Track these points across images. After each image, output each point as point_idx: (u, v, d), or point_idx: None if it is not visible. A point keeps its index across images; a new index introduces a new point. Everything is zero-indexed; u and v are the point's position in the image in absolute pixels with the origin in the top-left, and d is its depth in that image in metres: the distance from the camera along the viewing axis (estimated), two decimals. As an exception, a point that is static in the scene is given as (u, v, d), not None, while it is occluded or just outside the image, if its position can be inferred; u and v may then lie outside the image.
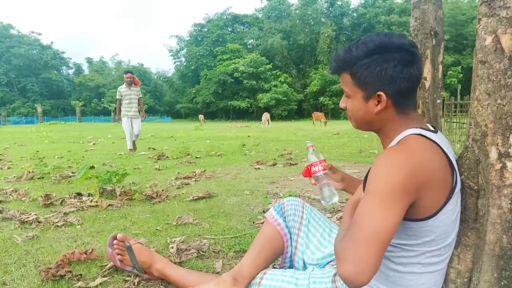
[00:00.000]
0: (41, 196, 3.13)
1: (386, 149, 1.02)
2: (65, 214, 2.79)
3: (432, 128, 1.09)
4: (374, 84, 1.04)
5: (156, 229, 2.42)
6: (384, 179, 0.91)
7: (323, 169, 1.36)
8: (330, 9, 55.43)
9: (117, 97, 7.80)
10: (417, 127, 1.04)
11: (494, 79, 1.03)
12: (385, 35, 1.04)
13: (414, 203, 0.94)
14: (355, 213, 0.93)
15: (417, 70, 1.03)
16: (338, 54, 1.09)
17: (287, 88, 49.17)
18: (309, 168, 1.38)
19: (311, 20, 52.93)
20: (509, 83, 1.00)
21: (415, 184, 0.92)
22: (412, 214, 0.96)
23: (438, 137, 1.03)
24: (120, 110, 7.80)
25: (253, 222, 2.56)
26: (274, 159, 6.07)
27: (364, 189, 1.09)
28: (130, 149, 7.73)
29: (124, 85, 7.82)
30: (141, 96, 8.03)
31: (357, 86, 1.07)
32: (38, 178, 4.33)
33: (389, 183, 0.90)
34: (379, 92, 1.03)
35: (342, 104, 1.16)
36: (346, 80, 1.09)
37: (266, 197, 3.29)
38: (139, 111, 7.98)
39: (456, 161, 1.14)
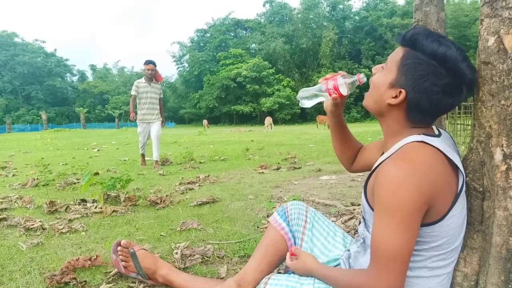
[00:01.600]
0: (46, 203, 3.14)
1: (388, 160, 1.00)
2: (70, 220, 2.79)
3: (436, 132, 1.08)
4: (406, 79, 1.01)
5: (160, 235, 2.41)
6: (395, 198, 0.91)
7: (330, 94, 1.20)
8: (332, 12, 55.51)
9: (132, 92, 6.22)
10: (419, 133, 1.03)
11: (498, 80, 1.02)
12: (459, 54, 0.97)
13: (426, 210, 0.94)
14: (373, 238, 0.95)
15: (449, 104, 1.00)
16: (414, 31, 1.01)
17: (290, 92, 49.17)
18: (333, 80, 1.21)
19: (313, 24, 53.00)
20: (512, 83, 0.99)
21: (425, 197, 0.91)
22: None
23: (441, 141, 1.01)
24: (134, 108, 6.28)
25: (258, 227, 2.55)
26: (278, 163, 6.06)
27: (365, 196, 1.09)
28: (143, 156, 6.40)
29: (143, 79, 6.25)
30: (162, 96, 6.49)
31: (397, 67, 1.03)
32: (43, 185, 4.35)
33: (400, 203, 0.90)
34: (403, 90, 1.01)
35: (374, 69, 1.12)
36: (398, 54, 1.04)
37: (270, 201, 3.28)
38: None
39: (461, 163, 1.13)
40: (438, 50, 0.96)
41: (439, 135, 1.05)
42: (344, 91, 1.19)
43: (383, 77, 1.07)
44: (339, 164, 5.74)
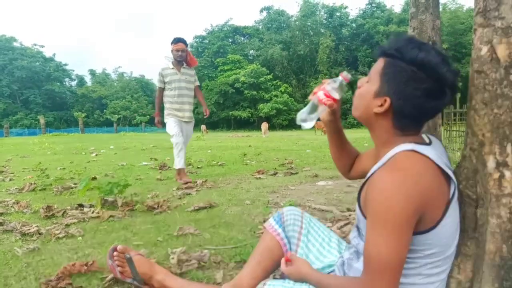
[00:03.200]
0: (43, 208, 3.13)
1: (379, 170, 1.02)
2: (67, 225, 2.79)
3: (426, 140, 1.09)
4: (389, 87, 1.03)
5: (157, 240, 2.41)
6: (386, 208, 0.92)
7: (324, 104, 1.22)
8: (329, 20, 55.81)
9: (158, 84, 4.91)
10: (410, 142, 1.04)
11: (491, 88, 1.04)
12: (441, 56, 0.99)
13: (417, 219, 0.96)
14: (366, 248, 0.96)
15: (434, 108, 1.02)
16: (395, 41, 1.05)
17: (287, 98, 49.31)
18: (322, 89, 1.24)
19: (310, 31, 53.27)
20: (505, 92, 1.01)
21: (416, 205, 0.93)
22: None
23: (431, 149, 1.03)
24: (160, 107, 4.99)
25: (254, 232, 2.55)
26: (275, 168, 6.07)
27: (359, 205, 1.10)
28: (180, 170, 4.81)
29: (170, 64, 4.88)
30: (198, 83, 5.16)
31: (380, 77, 1.06)
32: (40, 190, 4.34)
33: (392, 212, 0.92)
34: (387, 97, 1.04)
35: (359, 82, 1.14)
36: (378, 66, 1.07)
37: (267, 207, 3.29)
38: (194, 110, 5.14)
39: (454, 171, 1.15)
40: (417, 56, 0.99)
41: (429, 143, 1.07)
42: (336, 95, 1.22)
43: (368, 88, 1.09)
44: (335, 169, 5.74)
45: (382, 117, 1.07)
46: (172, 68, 4.85)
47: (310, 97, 1.26)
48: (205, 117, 5.24)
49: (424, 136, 1.12)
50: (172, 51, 4.83)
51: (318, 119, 1.30)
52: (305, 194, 3.91)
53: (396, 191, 0.92)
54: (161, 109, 5.10)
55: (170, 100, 4.86)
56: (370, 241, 0.96)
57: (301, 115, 1.26)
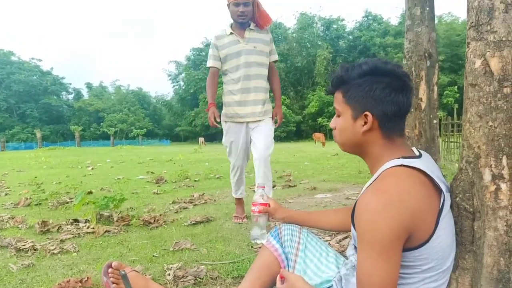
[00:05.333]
0: (38, 223, 3.10)
1: (367, 190, 1.02)
2: (62, 241, 2.76)
3: (417, 153, 1.10)
4: (362, 103, 1.07)
5: (153, 256, 2.38)
6: (373, 231, 0.93)
7: (258, 212, 1.51)
8: (326, 32, 56.41)
9: (210, 63, 3.12)
10: (399, 157, 1.04)
11: (485, 101, 1.04)
12: (380, 60, 1.08)
13: (407, 237, 0.95)
14: (357, 271, 0.97)
15: (406, 98, 1.06)
16: (335, 74, 1.14)
17: (285, 109, 49.47)
18: (253, 204, 1.55)
19: (307, 43, 53.75)
20: (499, 105, 1.02)
21: (404, 224, 0.93)
22: (405, 245, 0.96)
23: (421, 162, 1.03)
24: (215, 94, 3.18)
25: (252, 247, 2.52)
26: (273, 181, 6.05)
27: (353, 224, 1.09)
28: (239, 202, 3.38)
29: (228, 29, 3.09)
30: (276, 57, 3.23)
31: (348, 104, 1.11)
32: (36, 205, 4.30)
33: (379, 234, 0.92)
34: (366, 112, 1.06)
35: (332, 124, 1.20)
36: (339, 98, 1.13)
37: (267, 218, 3.26)
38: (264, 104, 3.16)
39: (451, 184, 1.14)
40: (362, 69, 1.07)
41: (419, 156, 1.07)
42: (263, 200, 1.53)
43: (343, 119, 1.13)
44: (334, 182, 5.76)
45: (370, 133, 1.09)
46: (231, 34, 3.02)
47: (252, 215, 1.55)
48: (276, 126, 3.23)
49: (414, 149, 1.12)
50: (229, 7, 2.98)
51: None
52: (304, 207, 3.89)
53: (383, 213, 0.92)
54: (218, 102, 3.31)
55: (230, 89, 3.09)
56: (361, 263, 0.95)
57: (253, 235, 1.56)
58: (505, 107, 1.01)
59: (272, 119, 3.20)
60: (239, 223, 3.19)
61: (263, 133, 3.10)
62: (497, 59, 1.02)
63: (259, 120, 3.12)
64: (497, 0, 1.03)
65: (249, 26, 3.07)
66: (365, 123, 1.07)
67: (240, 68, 3.04)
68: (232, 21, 3.09)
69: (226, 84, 3.16)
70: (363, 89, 1.06)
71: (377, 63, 1.07)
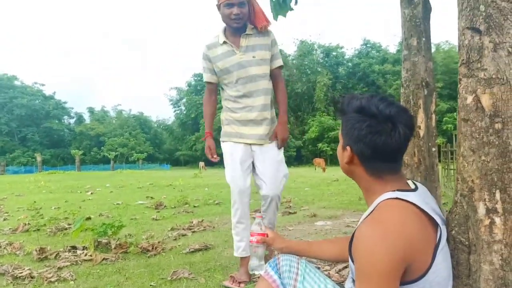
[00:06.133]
0: (36, 250, 3.09)
1: (364, 222, 1.04)
2: (59, 268, 2.74)
3: (412, 186, 1.11)
4: (346, 137, 1.13)
5: (150, 285, 2.36)
6: (370, 262, 0.94)
7: (256, 242, 1.52)
8: (325, 59, 57.24)
9: (206, 78, 2.66)
10: (394, 190, 1.06)
11: (477, 136, 1.07)
12: (376, 99, 1.08)
13: (405, 268, 0.96)
14: None
15: (386, 143, 1.05)
16: (339, 102, 1.18)
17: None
18: (251, 235, 1.55)
19: (307, 70, 54.48)
20: (491, 140, 1.04)
21: (401, 255, 0.93)
22: (403, 278, 0.96)
23: (417, 195, 1.05)
24: (212, 120, 2.82)
25: (250, 277, 2.50)
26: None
27: (350, 256, 1.10)
28: (242, 259, 2.48)
29: (220, 36, 2.53)
30: (280, 62, 2.62)
31: (341, 134, 1.17)
32: (34, 231, 4.28)
33: (376, 266, 0.92)
34: (347, 146, 1.12)
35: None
36: (340, 126, 1.19)
37: (265, 249, 3.23)
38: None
39: (447, 216, 1.16)
40: (355, 104, 1.10)
41: (415, 189, 1.09)
42: (261, 230, 1.52)
43: (339, 146, 1.21)
44: (334, 209, 5.74)
45: (354, 166, 1.14)
46: (225, 43, 2.50)
47: (250, 245, 1.54)
48: (278, 145, 2.59)
49: (410, 182, 1.14)
50: (219, 9, 2.43)
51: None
52: (303, 235, 3.87)
53: (380, 244, 0.93)
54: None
55: (229, 106, 2.62)
56: None
57: (251, 266, 1.54)
58: (497, 142, 1.03)
59: (274, 139, 2.57)
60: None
61: (269, 161, 2.52)
62: (488, 96, 1.05)
63: (263, 144, 2.54)
64: (486, 39, 1.07)
65: (245, 31, 2.48)
66: (347, 156, 1.13)
67: (239, 83, 2.50)
68: (224, 25, 2.50)
69: (225, 100, 2.64)
70: (348, 125, 1.12)
71: (366, 102, 1.08)
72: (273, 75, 2.62)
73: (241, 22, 2.42)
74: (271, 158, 2.54)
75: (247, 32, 2.49)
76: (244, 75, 2.49)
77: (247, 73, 2.49)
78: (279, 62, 2.62)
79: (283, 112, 2.68)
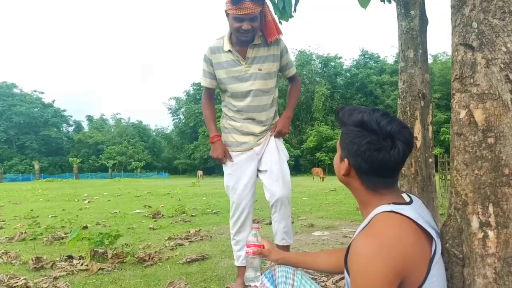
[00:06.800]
0: (32, 259, 3.07)
1: (359, 235, 1.04)
2: (55, 278, 2.73)
3: (407, 199, 1.12)
4: (345, 150, 1.14)
5: (147, 295, 2.35)
6: (365, 276, 0.94)
7: (252, 253, 1.51)
8: (324, 69, 57.54)
9: (205, 83, 2.46)
10: (389, 203, 1.07)
11: (470, 150, 1.09)
12: (377, 115, 1.08)
13: (400, 282, 0.96)
14: None
15: (384, 160, 1.06)
16: (340, 113, 1.18)
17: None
18: (247, 246, 1.55)
19: (306, 80, 54.71)
20: (484, 154, 1.05)
21: (397, 269, 0.94)
22: None
23: (412, 208, 1.06)
24: (215, 121, 2.56)
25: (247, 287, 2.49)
26: (270, 217, 6.00)
27: (346, 269, 1.10)
28: (241, 269, 2.42)
29: (226, 43, 2.31)
30: (293, 70, 2.55)
31: (339, 144, 1.19)
32: (30, 239, 4.26)
33: (371, 280, 0.93)
34: (345, 159, 1.14)
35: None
36: (340, 136, 1.21)
37: (261, 260, 3.23)
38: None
39: (441, 229, 1.17)
40: (356, 118, 1.10)
41: (410, 202, 1.10)
42: (257, 241, 1.52)
43: (336, 157, 1.22)
44: (331, 219, 5.73)
45: (351, 178, 1.16)
46: (229, 51, 2.31)
47: (246, 256, 1.53)
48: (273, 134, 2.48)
49: (405, 195, 1.15)
50: (228, 17, 2.20)
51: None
52: (300, 245, 3.86)
53: (374, 258, 0.94)
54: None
55: (230, 114, 2.47)
56: None
57: (247, 278, 1.53)
58: (489, 156, 1.05)
59: (272, 131, 2.46)
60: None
61: (273, 155, 2.42)
62: (481, 111, 1.07)
63: (261, 136, 2.43)
64: (479, 55, 1.09)
65: (253, 40, 2.27)
66: (345, 168, 1.15)
67: (241, 96, 2.36)
68: (231, 35, 2.30)
69: (225, 107, 2.49)
70: (347, 138, 1.12)
71: (368, 118, 1.08)
72: (289, 80, 2.60)
73: (250, 36, 2.22)
74: (273, 154, 2.43)
75: (255, 42, 2.29)
76: (247, 88, 2.33)
77: (252, 86, 2.33)
78: (292, 70, 2.53)
79: (290, 107, 2.57)
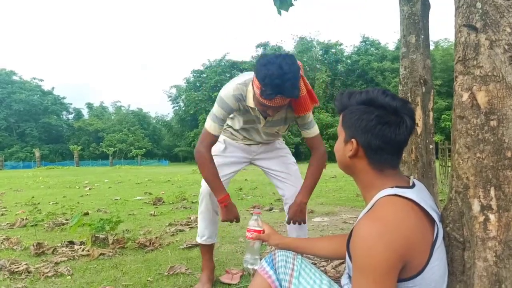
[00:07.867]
0: (33, 245, 3.09)
1: (362, 218, 1.03)
2: (56, 263, 2.74)
3: (410, 183, 1.12)
4: (351, 129, 1.12)
5: (147, 280, 2.37)
6: (368, 259, 0.93)
7: (252, 238, 1.56)
8: (324, 56, 57.15)
9: (210, 128, 1.99)
10: (392, 186, 1.06)
11: (472, 133, 1.07)
12: (381, 91, 1.10)
13: (402, 266, 0.96)
14: None
15: (394, 134, 1.06)
16: (340, 96, 1.18)
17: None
18: (248, 231, 1.59)
19: (306, 67, 54.33)
20: (486, 137, 1.04)
21: (399, 253, 0.94)
22: (399, 275, 0.97)
23: (415, 192, 1.05)
24: (221, 183, 2.04)
25: (247, 272, 2.51)
26: (271, 203, 6.03)
27: (348, 253, 1.10)
28: (204, 248, 2.32)
29: (250, 99, 1.94)
30: (316, 130, 2.19)
31: (343, 127, 1.17)
32: (31, 226, 4.28)
33: (374, 263, 0.92)
34: (353, 139, 1.11)
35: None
36: (340, 120, 1.19)
37: (261, 244, 3.24)
38: None
39: (442, 213, 1.16)
40: (361, 97, 1.10)
41: (412, 186, 1.09)
42: (258, 227, 1.56)
43: (339, 141, 1.20)
44: (331, 205, 5.74)
45: (357, 159, 1.13)
46: (253, 109, 2.03)
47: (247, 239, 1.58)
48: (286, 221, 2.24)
49: (407, 179, 1.14)
50: (254, 88, 1.84)
51: None
52: (300, 230, 3.87)
53: (378, 241, 0.93)
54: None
55: (229, 130, 2.32)
56: None
57: (247, 261, 1.59)
58: (492, 139, 1.03)
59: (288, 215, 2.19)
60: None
61: (275, 159, 2.39)
62: (484, 93, 1.06)
63: (265, 144, 2.35)
64: (483, 36, 1.07)
65: (278, 109, 1.91)
66: (352, 148, 1.12)
67: (245, 131, 2.25)
68: (255, 98, 1.89)
69: (229, 127, 2.29)
70: (353, 116, 1.11)
71: (374, 94, 1.08)
72: (309, 145, 2.26)
73: (266, 114, 2.00)
74: (276, 155, 2.40)
75: (280, 117, 2.10)
76: (260, 140, 2.29)
77: (263, 138, 2.27)
78: (312, 132, 2.17)
79: (305, 190, 2.21)
